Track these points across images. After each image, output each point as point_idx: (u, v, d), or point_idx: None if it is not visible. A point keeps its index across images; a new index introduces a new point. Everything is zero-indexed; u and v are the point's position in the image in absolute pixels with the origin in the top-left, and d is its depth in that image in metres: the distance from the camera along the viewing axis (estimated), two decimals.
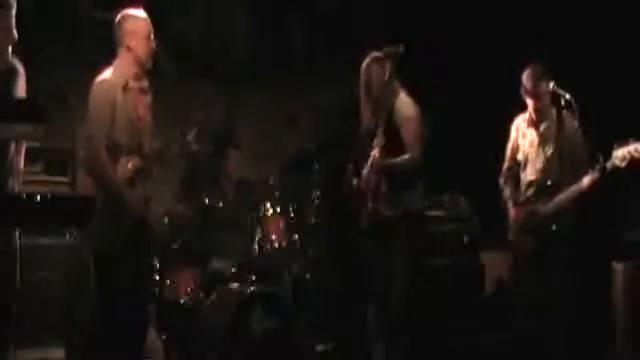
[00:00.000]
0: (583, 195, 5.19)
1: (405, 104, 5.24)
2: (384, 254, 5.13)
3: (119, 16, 4.95)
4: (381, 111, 5.20)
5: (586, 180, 5.15)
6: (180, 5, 7.38)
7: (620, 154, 5.02)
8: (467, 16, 7.11)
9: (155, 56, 4.97)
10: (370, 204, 5.18)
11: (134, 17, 4.93)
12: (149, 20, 4.96)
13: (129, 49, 4.87)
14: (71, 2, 6.92)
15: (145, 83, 4.98)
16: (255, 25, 7.54)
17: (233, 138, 6.77)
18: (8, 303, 4.47)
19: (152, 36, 4.93)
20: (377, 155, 5.11)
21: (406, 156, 5.14)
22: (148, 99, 4.99)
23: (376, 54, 5.33)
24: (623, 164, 5.02)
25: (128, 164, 4.80)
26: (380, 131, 5.17)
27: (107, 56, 5.01)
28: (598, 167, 5.10)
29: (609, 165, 5.05)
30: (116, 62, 4.90)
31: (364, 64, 5.36)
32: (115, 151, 4.77)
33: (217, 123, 6.80)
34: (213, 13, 7.46)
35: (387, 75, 5.19)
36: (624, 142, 5.03)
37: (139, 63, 4.90)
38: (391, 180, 5.12)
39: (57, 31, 6.73)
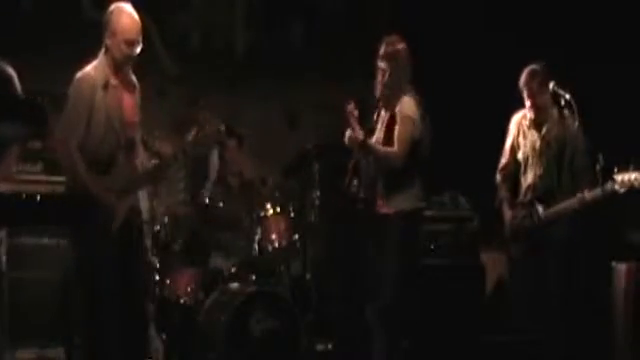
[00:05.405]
0: (583, 207, 5.16)
1: (407, 104, 4.97)
2: (378, 253, 5.07)
3: (110, 8, 4.58)
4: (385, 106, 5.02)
5: (588, 196, 5.10)
6: (181, 5, 7.39)
7: (620, 180, 4.96)
8: (467, 16, 7.11)
9: (131, 61, 4.56)
10: (363, 194, 5.03)
11: (119, 15, 4.53)
12: (137, 21, 4.55)
13: (106, 48, 4.55)
14: (73, 2, 6.92)
15: (132, 80, 4.64)
16: (255, 25, 7.55)
17: (233, 131, 6.68)
18: None
19: (134, 40, 4.51)
20: (361, 133, 4.90)
21: (391, 149, 4.93)
22: (135, 97, 4.65)
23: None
24: (622, 190, 4.97)
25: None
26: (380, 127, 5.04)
27: None
28: (600, 187, 5.05)
29: (609, 187, 5.00)
30: (99, 57, 4.58)
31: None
32: (85, 152, 4.45)
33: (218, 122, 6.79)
34: (214, 13, 7.47)
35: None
36: (625, 168, 4.97)
37: (115, 64, 4.54)
38: (386, 178, 5.01)
39: (58, 31, 6.73)
